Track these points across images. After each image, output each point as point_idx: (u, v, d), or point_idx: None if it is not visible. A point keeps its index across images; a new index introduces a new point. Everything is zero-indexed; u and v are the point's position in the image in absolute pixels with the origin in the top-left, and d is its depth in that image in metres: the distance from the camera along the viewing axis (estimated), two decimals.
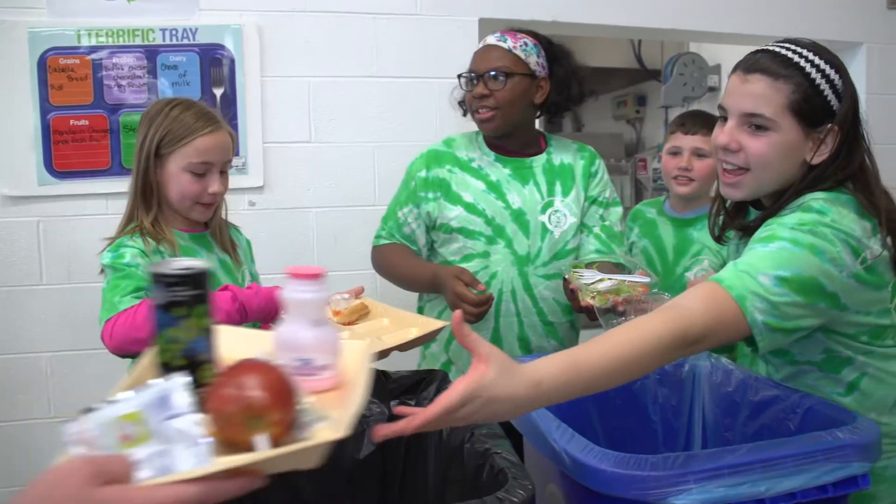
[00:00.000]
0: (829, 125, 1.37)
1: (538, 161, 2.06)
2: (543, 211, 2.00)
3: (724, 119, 1.43)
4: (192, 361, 0.87)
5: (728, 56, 4.59)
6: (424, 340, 1.66)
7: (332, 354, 0.95)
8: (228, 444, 0.76)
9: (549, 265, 1.99)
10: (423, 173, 2.05)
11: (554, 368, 1.10)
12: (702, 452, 1.17)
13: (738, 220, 1.54)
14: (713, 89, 4.64)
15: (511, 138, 2.04)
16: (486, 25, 2.74)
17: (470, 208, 1.98)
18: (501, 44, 1.98)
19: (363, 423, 1.53)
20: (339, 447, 1.49)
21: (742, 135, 1.39)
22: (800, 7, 3.13)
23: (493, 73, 1.95)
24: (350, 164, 2.68)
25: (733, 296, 1.22)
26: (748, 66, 1.39)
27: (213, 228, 1.87)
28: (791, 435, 1.32)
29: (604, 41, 4.93)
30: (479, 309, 1.79)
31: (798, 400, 1.45)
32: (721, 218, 1.57)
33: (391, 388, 1.57)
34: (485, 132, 2.05)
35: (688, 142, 2.31)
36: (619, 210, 2.15)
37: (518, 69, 1.96)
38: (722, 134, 1.41)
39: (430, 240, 2.09)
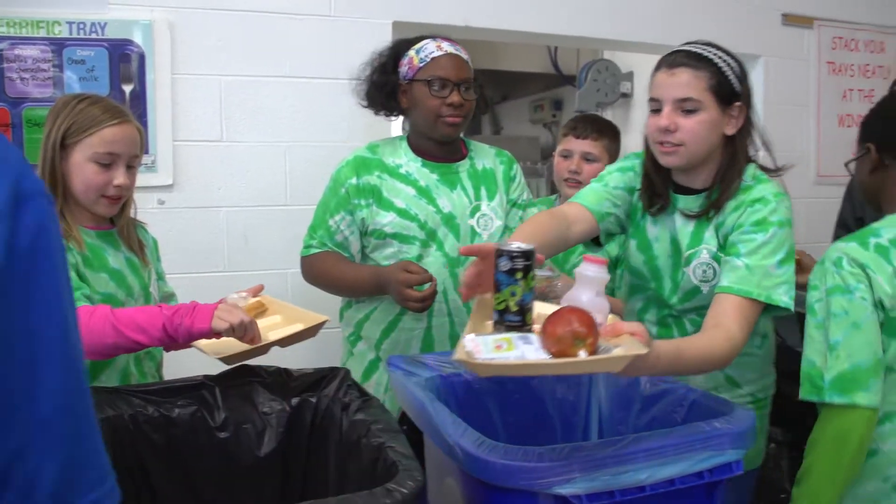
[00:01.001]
0: (738, 103, 1.68)
1: (463, 166, 2.11)
2: (472, 215, 2.05)
3: (657, 111, 1.69)
4: (522, 308, 1.26)
5: (640, 64, 4.71)
6: (307, 335, 1.69)
7: (604, 315, 1.28)
8: (559, 356, 1.14)
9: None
10: (353, 180, 2.04)
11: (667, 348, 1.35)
12: (587, 444, 1.23)
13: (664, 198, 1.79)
14: (626, 95, 4.76)
15: (447, 144, 2.09)
16: (399, 28, 2.76)
17: (403, 214, 2.01)
18: (462, 55, 2.04)
19: (264, 422, 1.54)
20: (239, 446, 1.52)
21: (677, 117, 1.65)
22: (705, 20, 3.25)
23: (466, 83, 2.01)
24: (262, 164, 2.67)
25: (762, 299, 1.53)
26: (672, 62, 1.68)
27: (120, 226, 1.85)
28: (678, 426, 1.38)
29: (521, 46, 5.00)
30: (424, 304, 1.85)
31: (684, 393, 1.52)
32: (648, 195, 1.81)
33: (293, 386, 1.58)
34: (447, 137, 2.05)
35: (578, 145, 2.40)
36: (535, 211, 2.19)
37: (473, 80, 2.06)
38: (661, 119, 1.66)
39: (362, 245, 2.09)
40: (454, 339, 2.02)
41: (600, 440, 1.23)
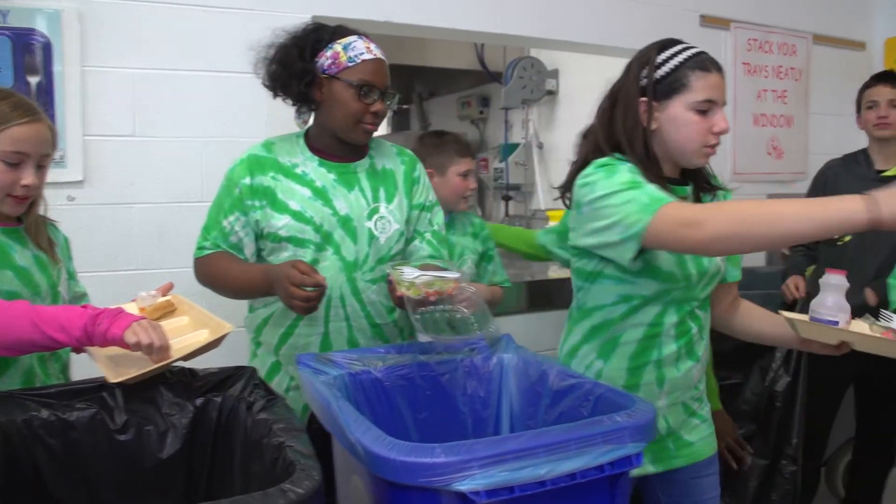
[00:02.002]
0: None
1: (362, 166, 2.04)
2: (370, 217, 1.99)
3: (704, 112, 1.66)
4: None
5: (565, 62, 4.77)
6: (212, 347, 1.61)
7: (848, 314, 1.60)
8: None
9: (374, 270, 1.98)
10: (247, 180, 1.96)
11: None
12: (487, 439, 1.22)
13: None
14: (551, 92, 4.81)
15: (348, 148, 2.03)
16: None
17: (298, 217, 1.93)
18: (384, 58, 1.98)
19: (166, 423, 1.51)
20: (141, 448, 1.48)
21: None
22: (626, 21, 3.31)
23: (387, 91, 1.97)
24: (177, 160, 2.61)
25: None
26: (717, 65, 1.70)
27: (27, 224, 1.79)
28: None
29: (449, 43, 5.01)
30: (310, 304, 1.75)
31: (591, 388, 1.54)
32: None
33: (197, 386, 1.55)
34: (360, 143, 2.02)
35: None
36: (440, 211, 2.19)
37: None
38: (722, 121, 1.67)
39: (258, 248, 2.02)
40: (351, 343, 1.97)
41: (500, 436, 1.23)
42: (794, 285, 2.82)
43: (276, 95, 2.02)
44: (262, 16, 2.69)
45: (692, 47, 1.67)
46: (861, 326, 1.63)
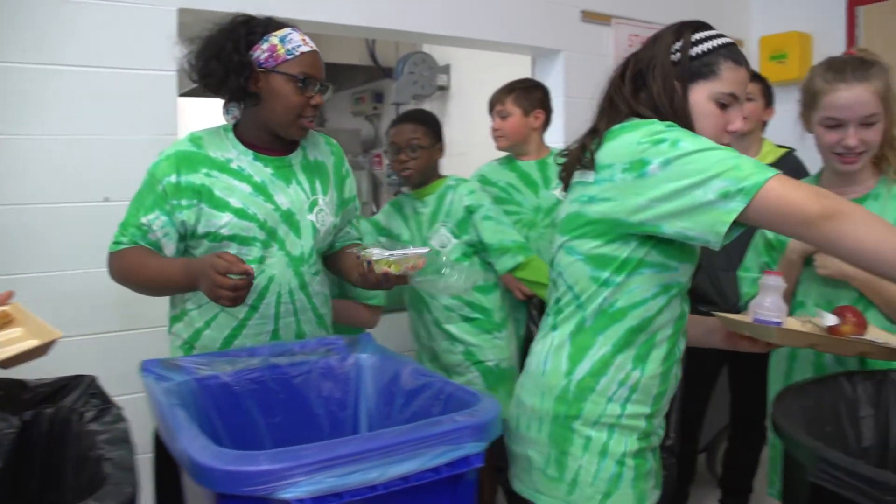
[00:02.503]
0: None
1: (296, 158, 1.98)
2: (311, 210, 1.94)
3: (727, 106, 1.48)
4: None
5: (457, 57, 4.77)
6: (36, 354, 1.48)
7: (785, 314, 1.58)
8: None
9: (317, 262, 1.98)
10: (172, 178, 1.84)
11: None
12: (315, 445, 1.17)
13: None
14: (443, 88, 4.80)
15: (279, 142, 1.97)
16: (186, 16, 2.64)
17: (240, 214, 1.85)
18: (318, 50, 1.92)
19: None
20: None
21: None
22: (511, 17, 3.31)
23: (323, 84, 1.91)
24: (44, 159, 2.47)
25: None
26: (747, 62, 1.54)
27: None
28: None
29: (341, 38, 4.94)
30: (237, 293, 1.65)
31: (441, 386, 1.51)
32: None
33: (27, 398, 1.47)
34: (298, 138, 1.96)
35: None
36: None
37: None
38: (740, 120, 1.51)
39: (184, 248, 1.91)
40: (300, 336, 1.93)
41: (331, 440, 1.18)
42: None
43: (209, 92, 1.91)
44: (125, 9, 2.58)
45: (726, 36, 1.51)
46: (793, 324, 1.64)
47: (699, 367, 2.64)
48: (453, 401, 1.46)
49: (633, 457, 1.44)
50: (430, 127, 2.66)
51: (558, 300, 1.50)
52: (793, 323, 1.63)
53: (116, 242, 1.90)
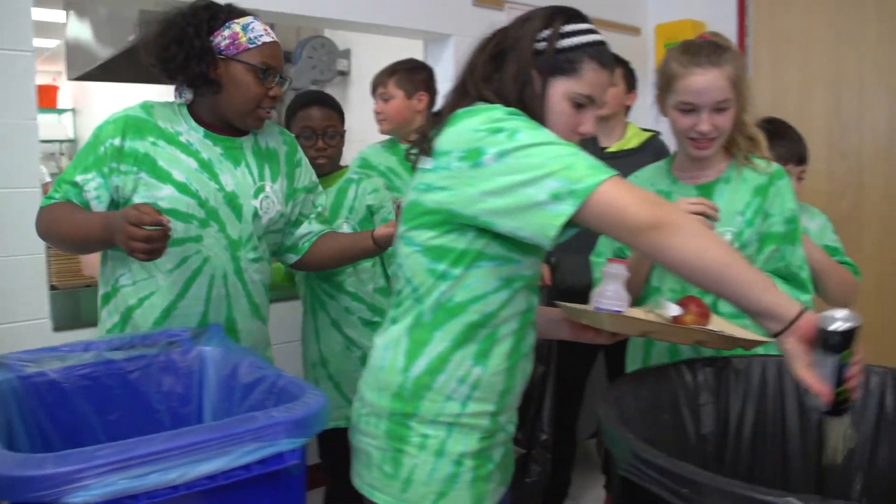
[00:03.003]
0: None
1: (248, 142, 1.93)
2: (256, 195, 1.89)
3: (579, 106, 1.43)
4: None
5: (357, 42, 4.69)
6: None
7: (628, 303, 1.55)
8: None
9: (257, 249, 1.92)
10: (116, 141, 1.80)
11: None
12: (111, 445, 1.12)
13: None
14: (343, 73, 4.72)
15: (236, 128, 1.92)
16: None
17: (182, 188, 1.80)
18: (278, 40, 1.89)
19: None
20: None
21: None
22: (407, 1, 3.27)
23: (283, 75, 1.88)
24: None
25: None
26: (612, 65, 1.50)
27: None
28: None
29: None
30: (151, 245, 1.57)
31: (275, 379, 1.47)
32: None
33: None
34: (252, 128, 1.92)
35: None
36: (323, 193, 2.16)
37: None
38: (592, 124, 1.48)
39: None
40: (229, 321, 1.88)
41: (125, 441, 1.13)
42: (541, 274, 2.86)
43: (168, 78, 1.84)
44: None
45: (597, 32, 1.43)
46: (636, 312, 1.62)
47: (573, 355, 2.65)
48: (284, 394, 1.42)
49: (473, 457, 1.40)
50: (340, 113, 2.56)
51: (399, 292, 1.44)
52: (637, 312, 1.62)
53: (48, 197, 1.85)
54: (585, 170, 1.21)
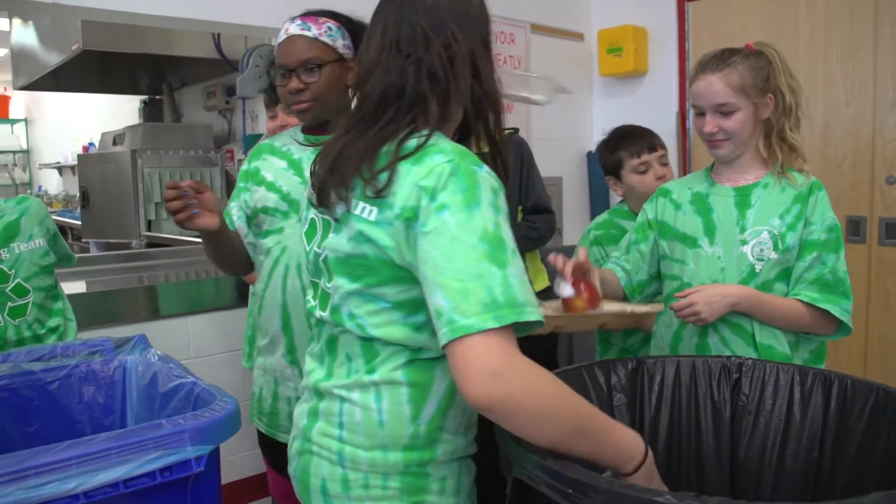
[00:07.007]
0: None
1: None
2: None
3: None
4: None
5: None
6: None
7: None
8: None
9: None
10: (245, 166, 2.03)
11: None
12: (7, 455, 1.12)
13: None
14: None
15: (330, 124, 1.92)
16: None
17: (270, 187, 1.94)
18: (306, 32, 1.85)
19: None
20: None
21: None
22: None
23: (306, 65, 1.83)
24: None
25: None
26: None
27: None
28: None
29: (191, 32, 4.80)
30: (172, 206, 1.69)
31: (191, 387, 1.47)
32: None
33: None
34: (304, 122, 1.96)
35: None
36: None
37: (328, 57, 1.84)
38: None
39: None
40: (309, 315, 1.82)
41: (21, 451, 1.13)
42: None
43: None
44: None
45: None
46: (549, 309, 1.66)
47: None
48: (200, 402, 1.42)
49: (474, 486, 1.33)
50: None
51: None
52: (549, 309, 1.66)
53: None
54: (474, 307, 1.05)
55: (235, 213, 2.00)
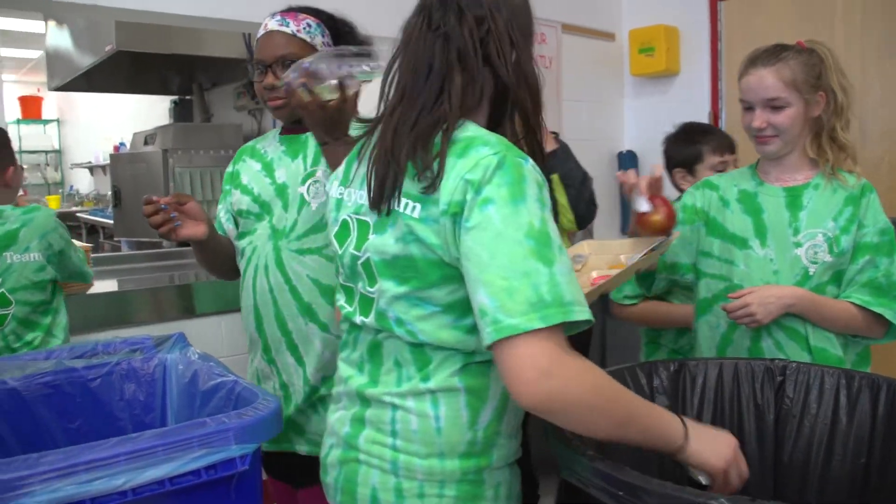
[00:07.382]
0: None
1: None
2: (303, 182, 1.85)
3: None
4: None
5: None
6: None
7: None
8: None
9: (303, 239, 1.84)
10: (230, 169, 2.02)
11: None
12: (57, 451, 1.13)
13: None
14: None
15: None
16: None
17: (244, 189, 1.93)
18: (284, 28, 1.82)
19: None
20: None
21: None
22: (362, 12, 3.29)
23: (283, 60, 1.79)
24: None
25: None
26: None
27: None
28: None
29: (223, 33, 4.83)
30: (153, 220, 1.72)
31: (232, 386, 1.48)
32: None
33: None
34: (279, 119, 1.93)
35: None
36: None
37: (305, 53, 1.78)
38: None
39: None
40: (280, 321, 1.83)
41: (71, 447, 1.14)
42: None
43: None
44: None
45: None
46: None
47: None
48: (241, 401, 1.43)
49: (521, 491, 1.30)
50: None
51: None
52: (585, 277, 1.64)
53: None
54: (519, 306, 1.02)
55: (223, 216, 2.02)
